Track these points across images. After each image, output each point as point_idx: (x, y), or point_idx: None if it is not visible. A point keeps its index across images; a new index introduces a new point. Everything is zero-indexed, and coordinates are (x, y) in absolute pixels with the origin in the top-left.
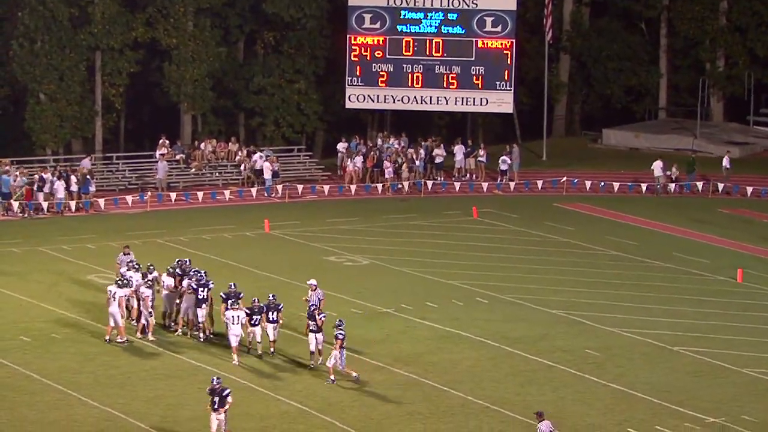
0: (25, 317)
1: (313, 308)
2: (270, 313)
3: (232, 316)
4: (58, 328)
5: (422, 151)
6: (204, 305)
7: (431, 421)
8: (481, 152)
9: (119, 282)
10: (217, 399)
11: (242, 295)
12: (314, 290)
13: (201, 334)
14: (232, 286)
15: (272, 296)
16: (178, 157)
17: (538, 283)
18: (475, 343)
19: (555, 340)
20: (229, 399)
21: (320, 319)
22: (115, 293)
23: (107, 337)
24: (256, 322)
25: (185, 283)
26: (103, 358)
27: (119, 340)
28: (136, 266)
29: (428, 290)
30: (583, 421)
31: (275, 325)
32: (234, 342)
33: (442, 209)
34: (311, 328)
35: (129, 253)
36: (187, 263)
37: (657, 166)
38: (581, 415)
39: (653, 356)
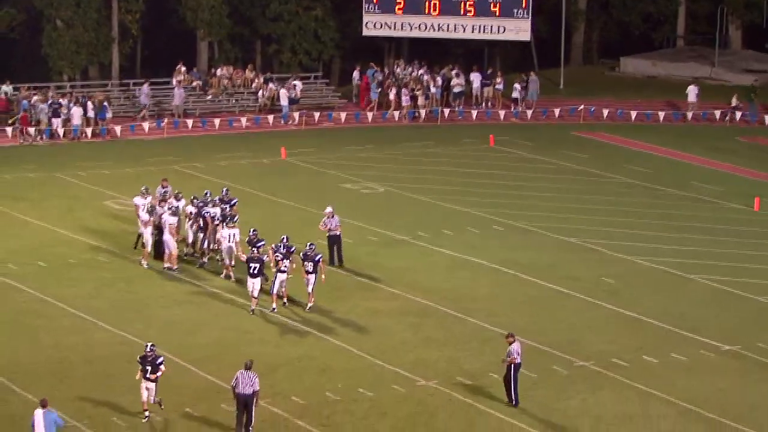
0: (41, 243)
1: (311, 248)
2: (283, 259)
3: (228, 234)
4: (74, 254)
5: (439, 79)
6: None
7: (447, 348)
8: (498, 80)
9: (171, 210)
10: (149, 367)
11: (263, 243)
12: (331, 217)
13: (205, 260)
14: (252, 232)
15: (285, 238)
16: (195, 84)
17: (554, 211)
18: (491, 270)
19: (570, 267)
20: (162, 367)
21: (319, 262)
22: (167, 221)
23: (145, 262)
24: (255, 272)
25: (182, 205)
26: (119, 284)
27: (168, 267)
28: (163, 194)
29: (444, 218)
30: (597, 348)
31: (285, 274)
32: (228, 260)
33: (459, 137)
34: (307, 269)
35: (167, 187)
36: (225, 192)
37: (691, 91)
38: (596, 343)
39: (668, 284)
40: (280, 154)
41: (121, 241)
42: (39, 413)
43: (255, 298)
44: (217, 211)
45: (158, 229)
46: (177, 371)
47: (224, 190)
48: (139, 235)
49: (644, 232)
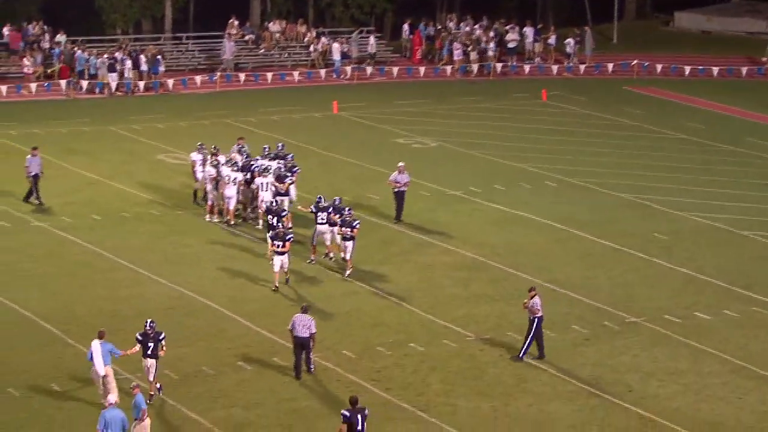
0: (96, 196)
1: (348, 213)
2: (331, 214)
3: (261, 183)
4: (128, 207)
5: (492, 34)
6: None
7: (498, 304)
8: (551, 35)
9: (235, 166)
10: (151, 344)
11: (286, 212)
12: (402, 172)
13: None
14: (275, 203)
15: (320, 198)
16: (247, 37)
17: (606, 166)
18: (543, 226)
19: (623, 223)
20: (163, 344)
21: (356, 228)
22: (235, 178)
23: (208, 217)
24: (280, 249)
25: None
26: (172, 237)
27: (227, 221)
28: (245, 154)
29: (496, 173)
30: (651, 304)
31: (325, 226)
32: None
33: (511, 92)
34: (345, 235)
35: (242, 145)
36: (280, 148)
37: None
38: (649, 299)
39: (722, 240)
40: (331, 109)
41: (175, 195)
42: (96, 343)
43: (277, 272)
44: (272, 164)
45: (212, 185)
46: (229, 324)
47: (280, 145)
48: (198, 191)
49: (698, 188)
